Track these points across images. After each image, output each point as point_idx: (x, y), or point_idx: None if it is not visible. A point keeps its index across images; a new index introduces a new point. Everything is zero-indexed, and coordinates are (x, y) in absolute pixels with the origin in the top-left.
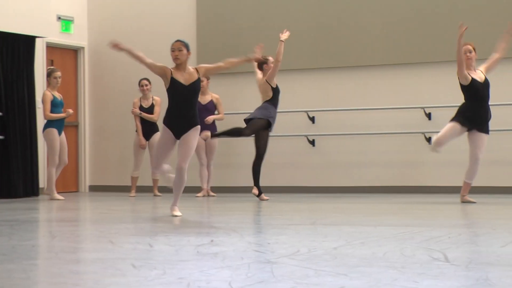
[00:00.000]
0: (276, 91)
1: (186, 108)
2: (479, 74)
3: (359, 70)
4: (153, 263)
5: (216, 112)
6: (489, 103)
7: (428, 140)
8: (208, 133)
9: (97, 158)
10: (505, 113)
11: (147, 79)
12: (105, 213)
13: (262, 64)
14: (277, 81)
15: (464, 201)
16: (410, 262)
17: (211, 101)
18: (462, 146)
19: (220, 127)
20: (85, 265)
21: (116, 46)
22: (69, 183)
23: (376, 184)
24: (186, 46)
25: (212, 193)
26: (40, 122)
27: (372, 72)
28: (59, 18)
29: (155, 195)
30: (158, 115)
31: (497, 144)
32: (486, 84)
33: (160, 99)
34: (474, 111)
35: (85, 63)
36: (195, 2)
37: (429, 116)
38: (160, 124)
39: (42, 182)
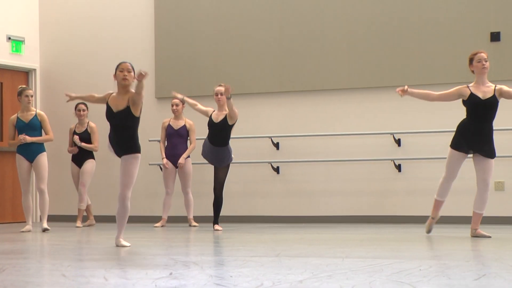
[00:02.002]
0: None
1: (119, 132)
2: (486, 90)
3: (325, 94)
4: None
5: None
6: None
7: (398, 167)
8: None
9: (50, 186)
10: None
11: (85, 104)
12: (57, 244)
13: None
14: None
15: (476, 236)
16: None
17: (184, 127)
18: (434, 174)
19: (192, 154)
20: None
21: (70, 98)
22: (19, 212)
23: (343, 214)
24: (134, 69)
25: (194, 223)
26: None
27: (339, 96)
28: (9, 38)
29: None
30: (98, 143)
31: (470, 172)
32: (488, 102)
33: (95, 126)
34: (469, 130)
35: (37, 85)
36: (153, 23)
37: (398, 142)
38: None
39: None
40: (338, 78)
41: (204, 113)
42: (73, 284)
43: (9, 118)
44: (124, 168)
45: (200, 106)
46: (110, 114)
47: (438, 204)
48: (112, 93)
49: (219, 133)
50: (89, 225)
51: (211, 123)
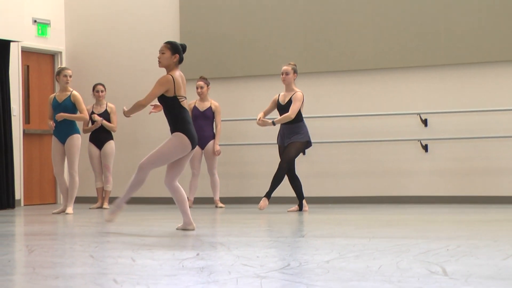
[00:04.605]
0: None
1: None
2: None
3: (351, 75)
4: (136, 278)
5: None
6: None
7: (425, 147)
8: (216, 148)
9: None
10: (508, 119)
11: (103, 85)
12: (85, 226)
13: None
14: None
15: None
16: (407, 276)
17: (210, 108)
18: (461, 154)
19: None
20: (64, 280)
21: (128, 115)
22: (46, 194)
23: (369, 194)
24: (172, 48)
25: (220, 204)
26: (16, 130)
27: (365, 76)
28: (35, 21)
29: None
30: (116, 124)
31: (499, 152)
32: None
33: (115, 107)
34: None
35: None
36: (178, 2)
37: (425, 122)
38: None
39: (19, 194)
40: (364, 58)
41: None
42: (101, 264)
43: (35, 101)
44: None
45: (267, 109)
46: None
47: None
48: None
49: (283, 113)
50: (102, 208)
51: (278, 106)
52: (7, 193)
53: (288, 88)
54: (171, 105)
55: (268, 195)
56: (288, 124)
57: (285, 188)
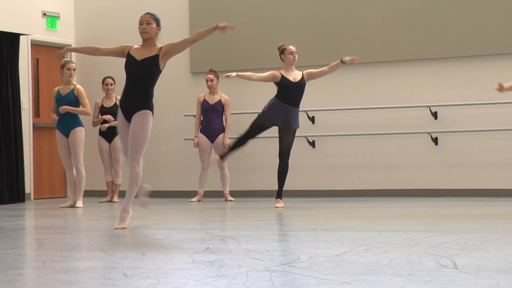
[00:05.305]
0: (281, 84)
1: (135, 87)
2: None
3: (360, 67)
4: (146, 272)
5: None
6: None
7: (435, 140)
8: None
9: (87, 160)
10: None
11: (112, 78)
12: (95, 219)
13: (280, 54)
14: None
15: None
16: (417, 269)
17: (220, 101)
18: (472, 146)
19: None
20: (74, 274)
21: (58, 54)
22: (56, 188)
23: (379, 188)
24: (156, 20)
25: (230, 198)
26: (26, 123)
27: (374, 69)
28: (44, 14)
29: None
30: None
31: (510, 145)
32: None
33: None
34: None
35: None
36: None
37: (435, 115)
38: None
39: (28, 188)
40: (373, 51)
41: (270, 78)
42: (111, 258)
43: (45, 94)
44: (132, 127)
45: (258, 74)
46: (132, 63)
47: None
48: (132, 46)
49: (298, 92)
50: (112, 202)
51: (288, 83)
52: (17, 187)
53: (293, 67)
54: (156, 80)
55: (279, 195)
56: (296, 107)
57: (294, 181)
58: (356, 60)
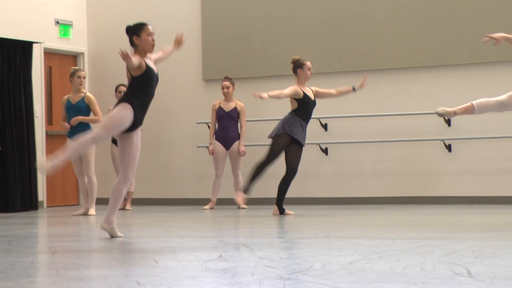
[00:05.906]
0: (303, 101)
1: (151, 101)
2: None
3: (374, 74)
4: (159, 280)
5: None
6: None
7: (448, 147)
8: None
9: (100, 168)
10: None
11: (125, 86)
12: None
13: (296, 68)
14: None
15: None
16: (431, 277)
17: (235, 109)
18: (484, 153)
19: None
20: (87, 282)
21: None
22: (69, 195)
23: (392, 195)
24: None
25: (243, 205)
26: (39, 131)
27: (387, 76)
28: (57, 22)
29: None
30: None
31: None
32: None
33: None
34: None
35: (85, 69)
36: (200, 3)
37: (448, 122)
38: None
39: (41, 195)
40: (386, 58)
41: (293, 94)
42: (123, 266)
43: (58, 102)
44: (138, 143)
45: (284, 92)
46: (155, 77)
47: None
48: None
49: (313, 109)
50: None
51: (309, 101)
52: (30, 195)
53: (305, 83)
54: None
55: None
56: (307, 123)
57: (307, 189)
58: (364, 81)
